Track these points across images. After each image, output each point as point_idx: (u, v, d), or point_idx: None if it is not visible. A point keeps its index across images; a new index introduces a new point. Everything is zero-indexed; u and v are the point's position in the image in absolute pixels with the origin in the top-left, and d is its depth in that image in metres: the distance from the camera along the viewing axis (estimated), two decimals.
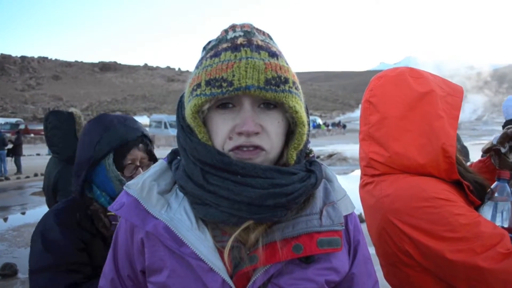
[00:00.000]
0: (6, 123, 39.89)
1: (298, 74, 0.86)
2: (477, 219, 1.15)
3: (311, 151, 0.95)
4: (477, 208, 1.29)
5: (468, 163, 1.68)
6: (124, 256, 0.93)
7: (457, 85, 1.37)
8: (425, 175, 1.26)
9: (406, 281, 1.28)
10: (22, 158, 15.98)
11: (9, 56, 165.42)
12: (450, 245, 1.12)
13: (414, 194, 1.20)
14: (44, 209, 1.54)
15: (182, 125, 0.88)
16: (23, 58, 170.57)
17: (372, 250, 1.14)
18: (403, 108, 1.28)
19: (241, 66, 0.77)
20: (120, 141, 1.46)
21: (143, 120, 37.72)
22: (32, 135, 33.78)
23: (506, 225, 1.25)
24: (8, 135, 21.97)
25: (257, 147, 0.80)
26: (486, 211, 1.28)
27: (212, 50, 0.84)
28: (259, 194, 0.78)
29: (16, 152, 15.48)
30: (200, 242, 0.81)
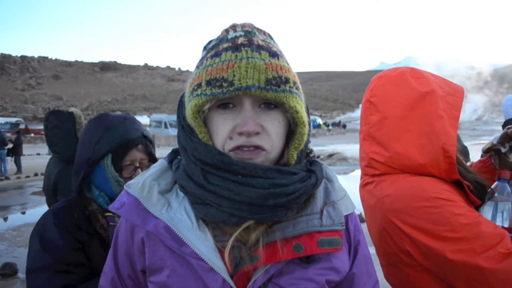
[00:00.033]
0: (6, 123, 39.92)
1: (299, 74, 0.86)
2: (477, 219, 1.15)
3: (311, 150, 0.95)
4: (477, 208, 1.29)
5: (468, 163, 1.68)
6: (124, 255, 0.93)
7: (458, 85, 1.37)
8: (425, 175, 1.26)
9: (406, 281, 1.28)
10: (22, 157, 15.99)
11: (9, 56, 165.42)
12: (450, 245, 1.12)
13: (414, 194, 1.20)
14: (44, 208, 1.54)
15: (182, 125, 0.88)
16: (23, 57, 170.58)
17: (372, 250, 1.14)
18: (403, 108, 1.28)
19: (242, 66, 0.77)
20: (119, 142, 1.44)
21: (143, 119, 37.74)
22: (32, 134, 33.80)
23: (506, 225, 1.25)
24: (8, 134, 21.98)
25: (257, 147, 0.80)
26: (487, 211, 1.28)
27: (213, 50, 0.84)
28: (259, 194, 0.78)
29: (16, 152, 15.49)
30: (200, 241, 0.81)
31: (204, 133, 0.83)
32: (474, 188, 1.29)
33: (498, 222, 1.25)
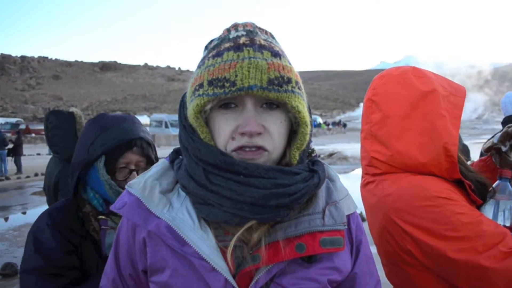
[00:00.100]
0: (7, 123, 39.93)
1: (299, 73, 0.86)
2: (479, 218, 1.15)
3: (313, 150, 0.95)
4: (478, 207, 1.29)
5: (469, 162, 1.68)
6: (125, 255, 0.92)
7: (460, 85, 1.37)
8: (426, 174, 1.25)
9: (407, 280, 1.28)
10: (22, 158, 15.99)
11: (9, 56, 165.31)
12: (452, 244, 1.12)
13: (416, 193, 1.20)
14: (45, 208, 1.54)
15: (184, 124, 0.88)
16: (23, 58, 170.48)
17: (373, 249, 1.14)
18: (405, 107, 1.28)
19: (244, 66, 0.76)
20: (113, 144, 1.40)
21: (143, 119, 37.73)
22: (33, 134, 33.80)
23: (508, 224, 1.25)
24: (9, 135, 21.98)
25: (259, 148, 0.80)
26: (488, 210, 1.28)
27: (214, 49, 0.83)
28: (262, 194, 0.78)
29: (16, 152, 15.50)
30: (202, 241, 0.81)
31: (206, 133, 0.83)
32: (475, 187, 1.29)
33: (500, 221, 1.25)
